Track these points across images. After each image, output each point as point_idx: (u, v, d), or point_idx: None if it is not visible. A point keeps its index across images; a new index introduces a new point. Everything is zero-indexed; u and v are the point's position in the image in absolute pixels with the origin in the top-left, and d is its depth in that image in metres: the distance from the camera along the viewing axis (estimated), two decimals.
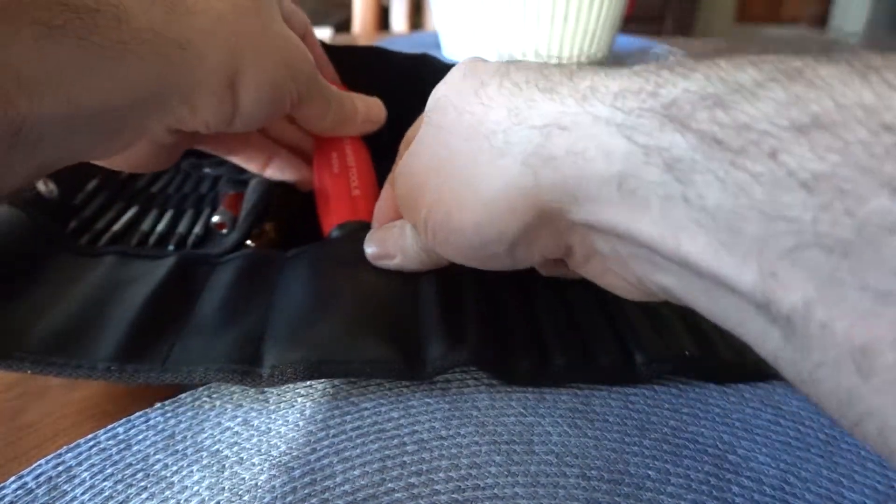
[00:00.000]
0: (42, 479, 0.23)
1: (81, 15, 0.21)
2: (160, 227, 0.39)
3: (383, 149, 0.37)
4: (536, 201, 0.21)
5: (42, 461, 0.24)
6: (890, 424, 0.14)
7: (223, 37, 0.27)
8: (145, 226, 0.39)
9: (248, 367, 0.26)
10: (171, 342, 0.27)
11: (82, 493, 0.23)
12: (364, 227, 0.34)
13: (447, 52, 0.77)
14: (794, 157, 0.15)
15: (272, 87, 0.30)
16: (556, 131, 0.20)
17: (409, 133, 0.32)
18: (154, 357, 0.27)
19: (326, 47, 0.42)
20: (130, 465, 0.24)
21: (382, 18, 1.30)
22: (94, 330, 0.27)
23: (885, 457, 0.15)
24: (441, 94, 0.26)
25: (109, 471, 0.24)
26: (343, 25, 1.72)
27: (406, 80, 0.42)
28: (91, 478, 0.23)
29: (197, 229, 0.38)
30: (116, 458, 0.24)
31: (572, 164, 0.19)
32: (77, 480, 0.23)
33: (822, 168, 0.14)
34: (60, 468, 0.24)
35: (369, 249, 0.32)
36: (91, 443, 0.25)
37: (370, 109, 0.38)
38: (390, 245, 0.31)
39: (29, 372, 0.25)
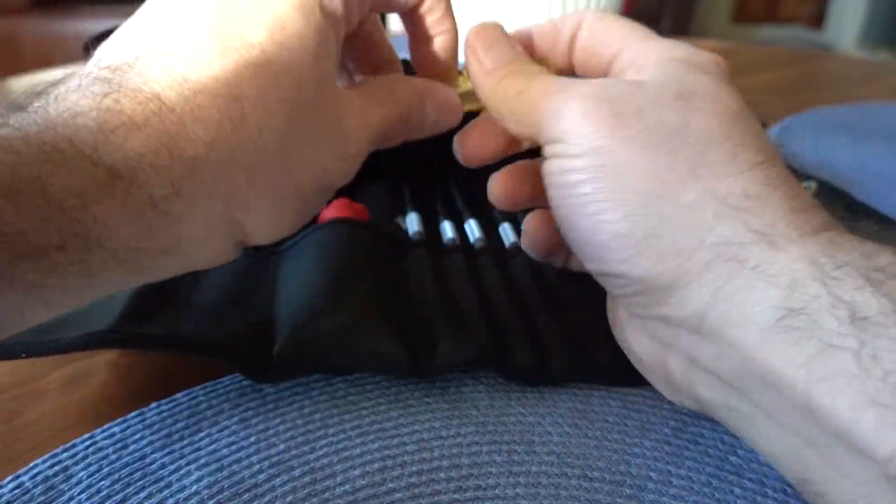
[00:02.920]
0: (39, 478, 0.23)
1: (36, 260, 0.17)
2: None
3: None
4: (684, 279, 0.21)
5: (38, 461, 0.24)
6: None
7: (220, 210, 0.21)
8: None
9: (252, 361, 0.26)
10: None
11: (79, 493, 0.23)
12: (358, 224, 0.34)
13: None
14: None
15: (290, 215, 0.24)
16: (765, 245, 0.20)
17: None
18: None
19: None
20: (128, 464, 0.24)
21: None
22: (81, 317, 0.27)
23: None
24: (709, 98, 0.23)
25: (106, 470, 0.24)
26: None
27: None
28: (88, 477, 0.23)
29: None
30: (113, 457, 0.24)
31: (757, 278, 0.20)
32: (74, 480, 0.23)
33: None
34: (57, 468, 0.24)
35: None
36: (88, 442, 0.25)
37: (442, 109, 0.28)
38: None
39: (24, 355, 0.25)
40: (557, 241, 0.28)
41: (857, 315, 0.17)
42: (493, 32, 0.28)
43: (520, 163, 0.29)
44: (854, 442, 0.17)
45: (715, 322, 0.20)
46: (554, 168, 0.24)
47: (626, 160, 0.22)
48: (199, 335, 0.27)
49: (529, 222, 0.30)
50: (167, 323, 0.27)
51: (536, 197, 0.28)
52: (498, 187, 0.29)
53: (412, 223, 0.38)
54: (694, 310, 0.21)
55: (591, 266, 0.24)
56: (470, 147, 0.28)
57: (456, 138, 0.29)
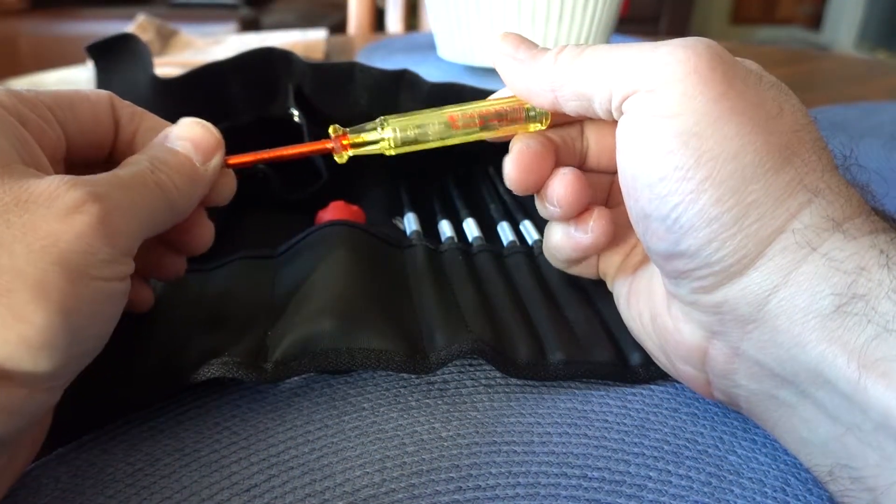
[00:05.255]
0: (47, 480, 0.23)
1: None
2: None
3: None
4: (754, 264, 0.21)
5: (44, 460, 0.24)
6: None
7: None
8: None
9: (252, 361, 0.26)
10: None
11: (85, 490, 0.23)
12: (356, 226, 0.34)
13: (442, 54, 0.76)
14: None
15: None
16: (839, 234, 0.20)
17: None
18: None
19: (292, 60, 0.42)
20: (131, 464, 0.24)
21: (378, 20, 1.30)
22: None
23: None
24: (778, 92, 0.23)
25: (110, 470, 0.24)
26: (338, 27, 1.72)
27: (383, 96, 0.41)
28: (94, 474, 0.23)
29: None
30: (120, 457, 0.24)
31: (824, 262, 0.20)
32: (79, 479, 0.23)
33: None
34: (61, 469, 0.24)
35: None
36: (93, 443, 0.25)
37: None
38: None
39: None
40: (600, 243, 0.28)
41: None
42: (517, 35, 0.27)
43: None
44: None
45: (775, 307, 0.21)
46: (637, 127, 0.22)
47: (727, 135, 0.21)
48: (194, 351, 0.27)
49: (594, 224, 0.28)
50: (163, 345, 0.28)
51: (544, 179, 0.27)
52: (514, 166, 0.27)
53: (410, 223, 0.38)
54: (758, 294, 0.21)
55: (661, 246, 0.23)
56: (521, 170, 0.27)
57: (506, 166, 0.27)
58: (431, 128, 0.28)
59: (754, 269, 0.21)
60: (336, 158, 0.29)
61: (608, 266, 0.30)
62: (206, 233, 0.28)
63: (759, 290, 0.21)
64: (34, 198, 0.20)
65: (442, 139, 0.28)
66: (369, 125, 0.28)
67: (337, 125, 0.28)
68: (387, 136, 0.28)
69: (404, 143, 0.28)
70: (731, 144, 0.21)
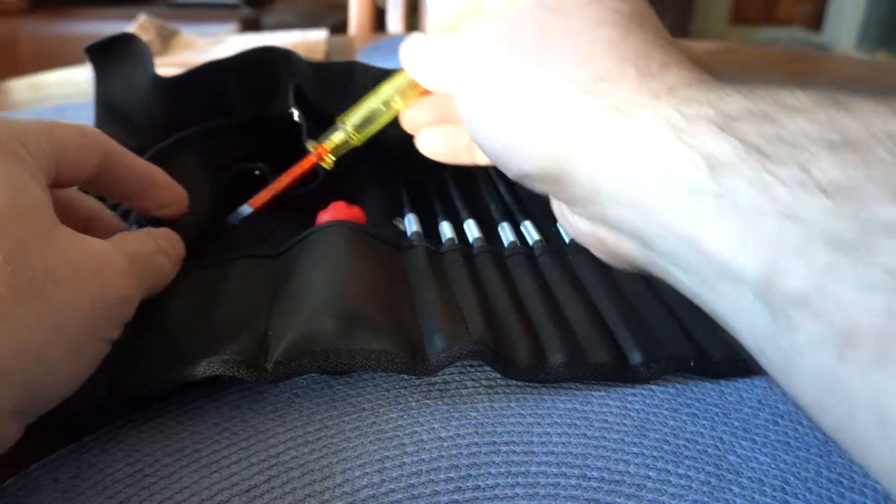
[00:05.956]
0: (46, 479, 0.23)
1: None
2: None
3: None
4: (569, 163, 0.23)
5: (44, 460, 0.24)
6: (862, 400, 0.15)
7: None
8: None
9: (253, 360, 0.26)
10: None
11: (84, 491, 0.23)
12: (356, 227, 0.34)
13: None
14: (821, 169, 0.17)
15: None
16: (619, 116, 0.22)
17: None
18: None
19: (292, 60, 0.42)
20: (131, 465, 0.24)
21: (378, 20, 1.30)
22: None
23: (847, 442, 0.17)
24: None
25: (111, 471, 0.24)
26: (339, 27, 1.72)
27: None
28: (94, 475, 0.23)
29: None
30: (120, 458, 0.24)
31: (621, 147, 0.22)
32: (79, 480, 0.23)
33: (842, 179, 0.17)
34: (61, 470, 0.24)
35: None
36: (93, 444, 0.25)
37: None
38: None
39: None
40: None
41: (713, 162, 0.19)
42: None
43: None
44: (730, 272, 0.19)
45: (608, 191, 0.22)
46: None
47: (497, 67, 0.26)
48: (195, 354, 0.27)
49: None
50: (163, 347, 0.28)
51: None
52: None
53: (410, 224, 0.38)
54: (587, 187, 0.23)
55: (506, 173, 0.27)
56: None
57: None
58: (374, 104, 0.34)
59: (573, 170, 0.23)
60: (325, 166, 0.35)
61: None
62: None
63: (587, 182, 0.23)
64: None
65: (387, 107, 0.34)
66: (330, 130, 0.35)
67: (311, 140, 0.35)
68: (349, 129, 0.34)
69: (362, 127, 0.35)
70: (501, 73, 0.26)
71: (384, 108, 0.34)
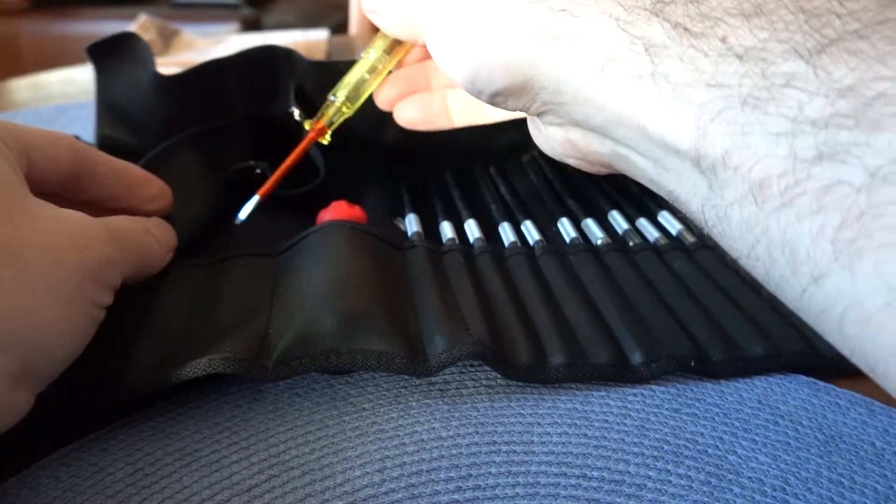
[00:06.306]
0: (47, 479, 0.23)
1: None
2: None
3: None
4: (531, 68, 0.24)
5: (45, 460, 0.24)
6: (775, 240, 0.17)
7: None
8: None
9: (254, 358, 0.26)
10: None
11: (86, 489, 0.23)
12: (357, 226, 0.34)
13: None
14: (737, 37, 0.19)
15: None
16: (568, 17, 0.23)
17: None
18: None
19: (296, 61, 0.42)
20: (132, 464, 0.24)
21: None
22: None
23: (771, 284, 0.19)
24: None
25: (111, 470, 0.24)
26: (340, 27, 1.72)
27: None
28: (94, 474, 0.23)
29: None
30: (121, 457, 0.24)
31: (573, 45, 0.23)
32: (79, 479, 0.23)
33: (753, 42, 0.18)
34: (62, 469, 0.24)
35: None
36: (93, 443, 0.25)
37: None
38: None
39: None
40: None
41: (649, 45, 0.20)
42: None
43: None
44: (671, 146, 0.20)
45: (569, 91, 0.23)
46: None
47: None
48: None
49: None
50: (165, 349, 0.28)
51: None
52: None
53: (411, 224, 0.38)
54: (551, 89, 0.24)
55: (481, 98, 0.28)
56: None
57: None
58: (359, 72, 0.36)
59: (535, 78, 0.24)
60: (322, 142, 0.37)
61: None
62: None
63: (549, 84, 0.24)
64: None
65: (371, 73, 0.36)
66: (324, 105, 0.36)
67: (307, 119, 0.37)
68: (339, 101, 0.36)
69: (353, 96, 0.36)
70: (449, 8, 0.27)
71: (367, 76, 0.36)
